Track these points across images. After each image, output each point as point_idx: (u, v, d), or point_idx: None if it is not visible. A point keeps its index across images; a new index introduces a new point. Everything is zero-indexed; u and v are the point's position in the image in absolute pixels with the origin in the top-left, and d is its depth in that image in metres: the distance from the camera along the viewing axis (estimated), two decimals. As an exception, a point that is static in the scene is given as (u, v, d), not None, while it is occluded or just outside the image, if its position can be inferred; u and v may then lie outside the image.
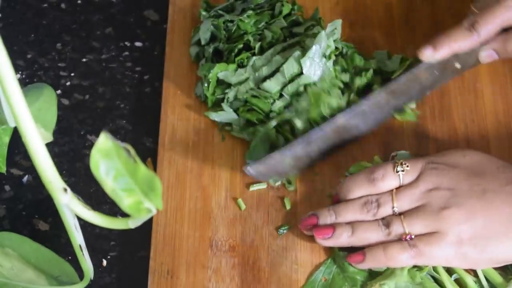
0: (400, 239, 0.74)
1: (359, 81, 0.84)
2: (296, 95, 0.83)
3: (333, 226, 0.76)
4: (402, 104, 0.85)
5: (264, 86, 0.83)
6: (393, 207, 0.75)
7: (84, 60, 0.93)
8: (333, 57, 0.85)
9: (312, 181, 0.82)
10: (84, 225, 0.65)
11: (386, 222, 0.75)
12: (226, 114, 0.85)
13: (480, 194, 0.74)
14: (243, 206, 0.81)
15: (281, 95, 0.84)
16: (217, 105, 0.87)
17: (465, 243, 0.73)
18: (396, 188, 0.77)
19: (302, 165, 0.82)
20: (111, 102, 0.90)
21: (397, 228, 0.74)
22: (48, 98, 0.82)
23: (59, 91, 0.90)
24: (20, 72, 0.91)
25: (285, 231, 0.80)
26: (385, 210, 0.76)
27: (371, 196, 0.77)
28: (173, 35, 0.92)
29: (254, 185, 0.82)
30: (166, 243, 0.79)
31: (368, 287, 0.75)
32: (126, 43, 0.94)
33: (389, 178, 0.77)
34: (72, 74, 0.92)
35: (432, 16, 0.94)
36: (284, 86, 0.83)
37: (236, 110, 0.85)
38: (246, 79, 0.85)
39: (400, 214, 0.75)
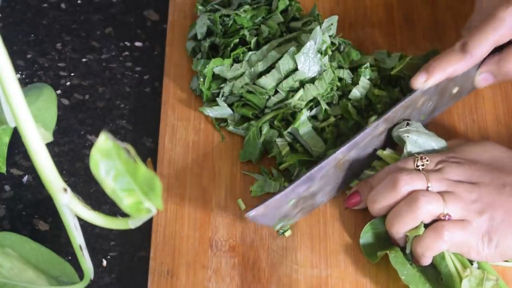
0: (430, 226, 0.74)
1: (356, 79, 0.84)
2: (291, 91, 0.83)
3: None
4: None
5: (259, 82, 0.83)
6: (427, 186, 0.75)
7: (84, 60, 0.93)
8: (329, 53, 0.85)
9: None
10: (84, 225, 0.65)
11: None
12: (220, 109, 0.85)
13: (501, 188, 0.75)
14: (243, 206, 0.81)
15: (276, 91, 0.84)
16: (212, 101, 0.87)
17: (483, 237, 0.74)
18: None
19: (309, 207, 0.79)
20: (111, 102, 0.90)
21: (436, 206, 0.74)
22: (48, 98, 0.82)
23: (59, 91, 0.90)
24: (20, 72, 0.91)
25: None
26: (420, 185, 0.75)
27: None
28: (173, 35, 0.92)
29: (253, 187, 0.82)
30: (166, 243, 0.79)
31: None
32: (126, 43, 0.94)
33: (410, 169, 0.77)
34: (72, 74, 0.92)
35: (432, 16, 0.94)
36: (280, 82, 0.83)
37: (231, 105, 0.85)
38: (242, 74, 0.85)
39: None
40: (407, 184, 0.75)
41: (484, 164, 0.77)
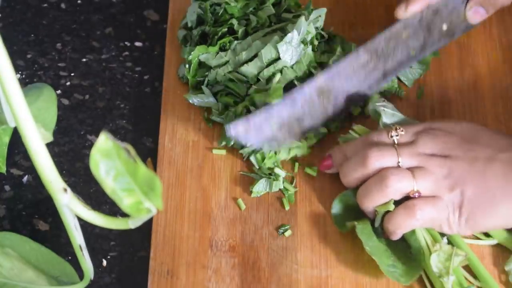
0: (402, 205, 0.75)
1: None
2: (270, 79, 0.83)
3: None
4: (392, 71, 0.84)
5: (241, 70, 0.83)
6: (398, 162, 0.75)
7: (84, 60, 0.93)
8: (315, 43, 0.85)
9: (312, 181, 0.82)
10: (84, 225, 0.65)
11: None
12: (205, 97, 0.85)
13: (473, 161, 0.75)
14: (243, 206, 0.81)
15: (258, 80, 0.84)
16: (198, 89, 0.86)
17: (454, 211, 0.74)
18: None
19: (295, 132, 0.81)
20: (111, 102, 0.90)
21: (406, 184, 0.74)
22: (48, 98, 0.82)
23: (59, 91, 0.90)
24: (20, 72, 0.91)
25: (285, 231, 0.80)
26: (390, 161, 0.76)
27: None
28: (173, 35, 0.92)
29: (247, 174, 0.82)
30: (166, 243, 0.79)
31: None
32: (126, 43, 0.94)
33: (384, 142, 0.77)
34: (72, 74, 0.92)
35: (432, 16, 0.94)
36: (261, 70, 0.83)
37: (216, 95, 0.85)
38: (226, 63, 0.85)
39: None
40: (377, 160, 0.76)
41: (458, 135, 0.77)
